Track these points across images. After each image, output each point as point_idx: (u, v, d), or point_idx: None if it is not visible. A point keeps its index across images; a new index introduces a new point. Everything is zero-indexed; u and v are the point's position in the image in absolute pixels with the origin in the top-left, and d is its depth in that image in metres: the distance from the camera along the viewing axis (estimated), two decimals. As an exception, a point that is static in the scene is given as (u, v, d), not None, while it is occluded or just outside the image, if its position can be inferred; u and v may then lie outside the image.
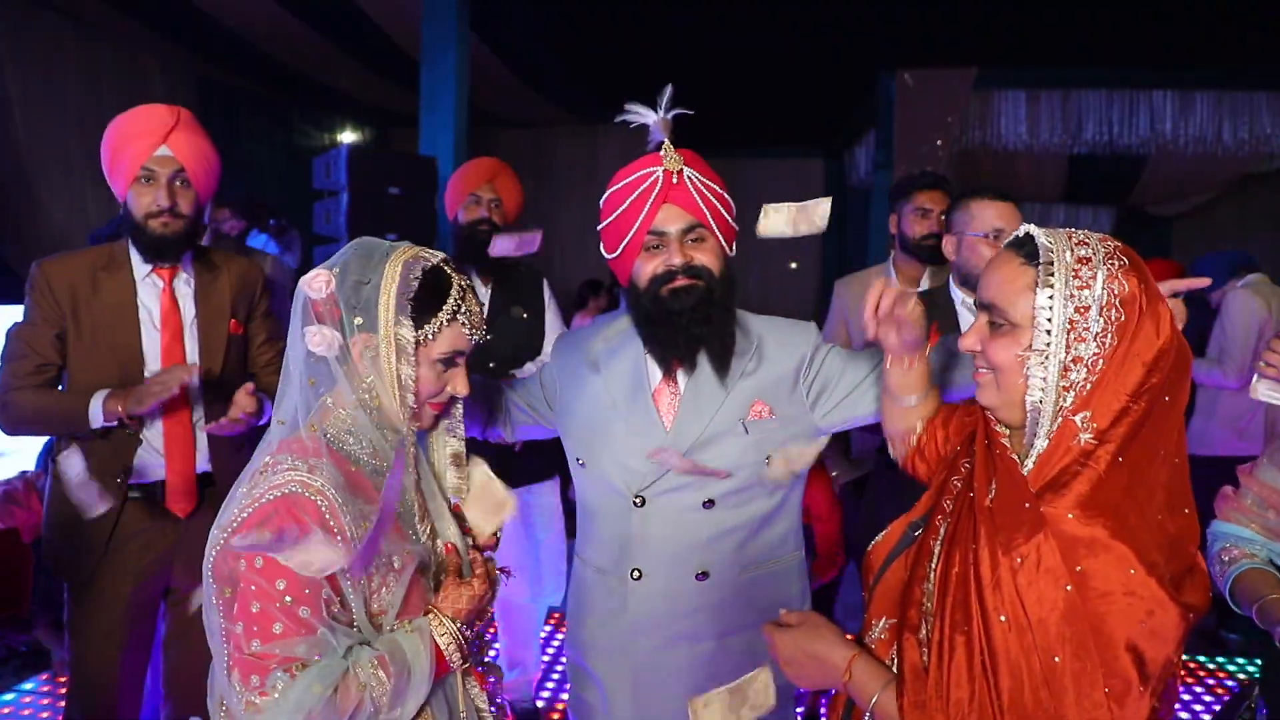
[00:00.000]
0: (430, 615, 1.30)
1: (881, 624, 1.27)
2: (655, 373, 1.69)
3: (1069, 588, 1.01)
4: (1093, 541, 1.03)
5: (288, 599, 1.17)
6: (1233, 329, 4.20)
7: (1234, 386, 4.21)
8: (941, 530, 1.21)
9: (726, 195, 1.65)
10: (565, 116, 9.07)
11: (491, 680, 1.49)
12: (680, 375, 1.66)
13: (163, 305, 2.23)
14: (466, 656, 1.33)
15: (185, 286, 2.28)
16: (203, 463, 2.28)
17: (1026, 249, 1.13)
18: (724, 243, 1.64)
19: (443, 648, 1.28)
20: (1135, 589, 1.01)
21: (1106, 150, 7.21)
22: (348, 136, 9.58)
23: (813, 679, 1.27)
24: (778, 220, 1.67)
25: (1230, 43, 6.51)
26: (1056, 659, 1.01)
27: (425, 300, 1.29)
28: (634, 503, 1.66)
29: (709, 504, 1.64)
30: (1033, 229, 1.15)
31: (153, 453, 2.24)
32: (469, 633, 1.33)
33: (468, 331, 1.33)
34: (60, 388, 2.25)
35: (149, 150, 2.13)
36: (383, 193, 4.92)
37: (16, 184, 5.64)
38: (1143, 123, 7.12)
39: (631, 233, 1.60)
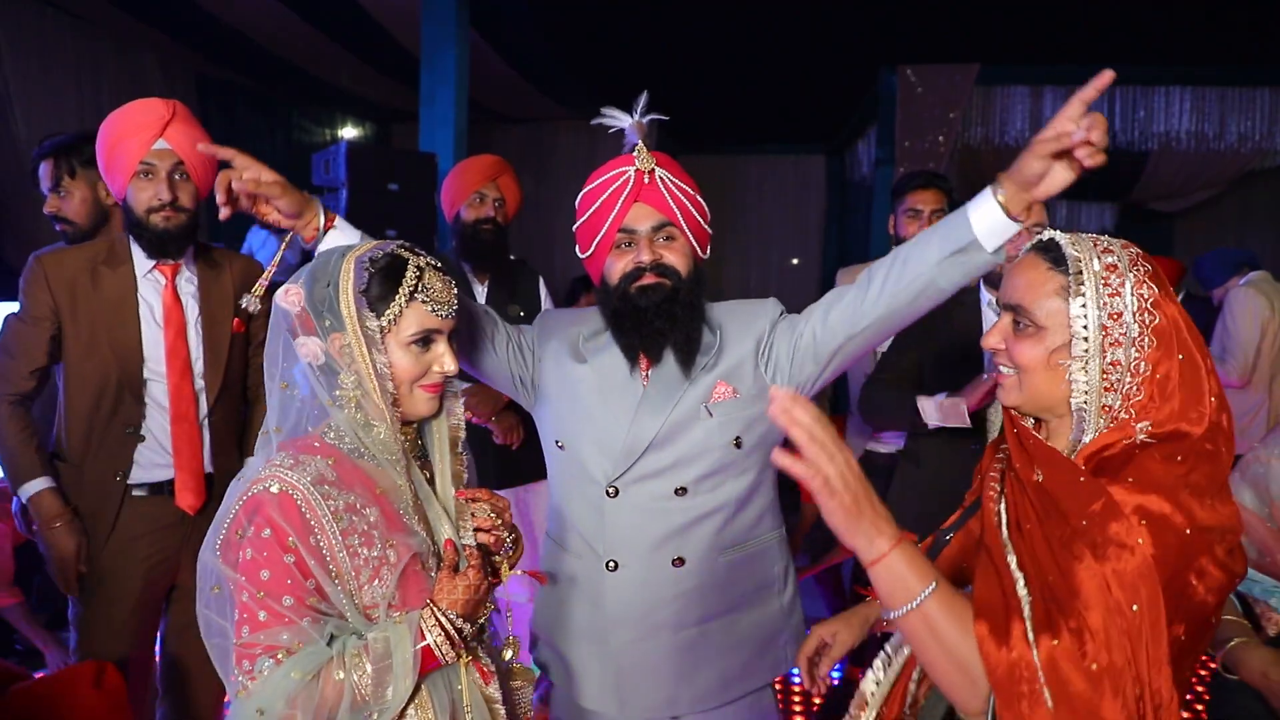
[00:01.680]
0: (425, 608, 1.31)
1: None
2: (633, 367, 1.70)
3: (1140, 540, 1.05)
4: (1152, 500, 1.07)
5: (270, 590, 1.23)
6: (1235, 327, 4.19)
7: (1237, 385, 4.20)
8: (1002, 516, 1.21)
9: (699, 198, 1.68)
10: (565, 112, 9.05)
11: (518, 684, 1.51)
12: (650, 370, 1.68)
13: (165, 302, 2.21)
14: (460, 650, 1.32)
15: (188, 284, 2.26)
16: (205, 463, 2.27)
17: (1052, 254, 1.18)
18: (695, 244, 1.67)
19: (430, 641, 1.28)
20: (1190, 550, 1.06)
21: (1109, 147, 7.18)
22: (347, 132, 9.57)
23: (861, 512, 1.09)
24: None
25: (1232, 39, 6.49)
26: (1134, 607, 1.04)
27: (381, 286, 1.33)
28: (607, 492, 1.67)
29: (681, 491, 1.65)
30: (1058, 235, 1.20)
31: (161, 451, 2.22)
32: (467, 626, 1.32)
33: (432, 309, 1.35)
34: (54, 385, 2.25)
35: (147, 144, 2.11)
36: (382, 189, 4.90)
37: (16, 182, 5.62)
38: (1145, 119, 7.11)
39: (603, 230, 1.63)
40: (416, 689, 1.30)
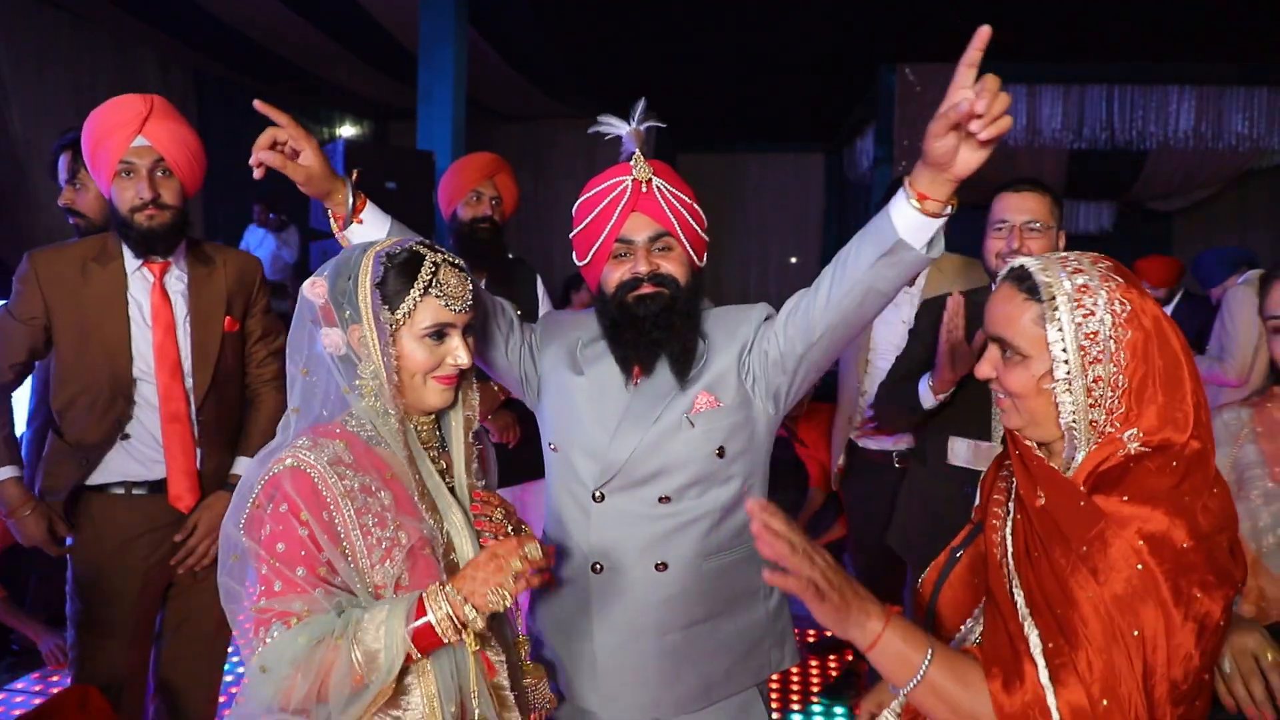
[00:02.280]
0: (433, 587, 1.31)
1: (969, 628, 1.29)
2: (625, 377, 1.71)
3: (1139, 566, 1.07)
4: (1150, 517, 1.09)
5: (285, 560, 1.29)
6: (1233, 326, 4.19)
7: (1234, 384, 4.19)
8: (1007, 543, 1.23)
9: (696, 206, 1.67)
10: (563, 110, 9.04)
11: (530, 681, 1.54)
12: (640, 381, 1.68)
13: (153, 301, 2.19)
14: (462, 630, 1.31)
15: (178, 282, 2.23)
16: (198, 461, 2.25)
17: (1026, 284, 1.21)
18: (692, 253, 1.66)
19: (431, 618, 1.28)
20: (1189, 562, 1.07)
21: (1107, 145, 7.20)
22: (345, 130, 9.56)
23: (849, 605, 1.13)
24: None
25: (1230, 38, 6.49)
26: (1136, 633, 1.06)
27: (397, 281, 1.38)
28: (594, 497, 1.68)
29: (665, 499, 1.65)
30: (1027, 263, 1.22)
31: (157, 449, 2.21)
32: (468, 610, 1.30)
33: (445, 303, 1.39)
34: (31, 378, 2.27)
35: (126, 142, 2.08)
36: (380, 187, 4.90)
37: (13, 181, 5.62)
38: (1143, 118, 7.11)
39: (600, 240, 1.63)
40: (408, 668, 1.32)
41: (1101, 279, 1.17)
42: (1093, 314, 1.15)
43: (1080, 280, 1.17)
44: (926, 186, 1.37)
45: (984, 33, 1.18)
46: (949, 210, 1.40)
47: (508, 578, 1.30)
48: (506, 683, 1.44)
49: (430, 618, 1.28)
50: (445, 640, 1.30)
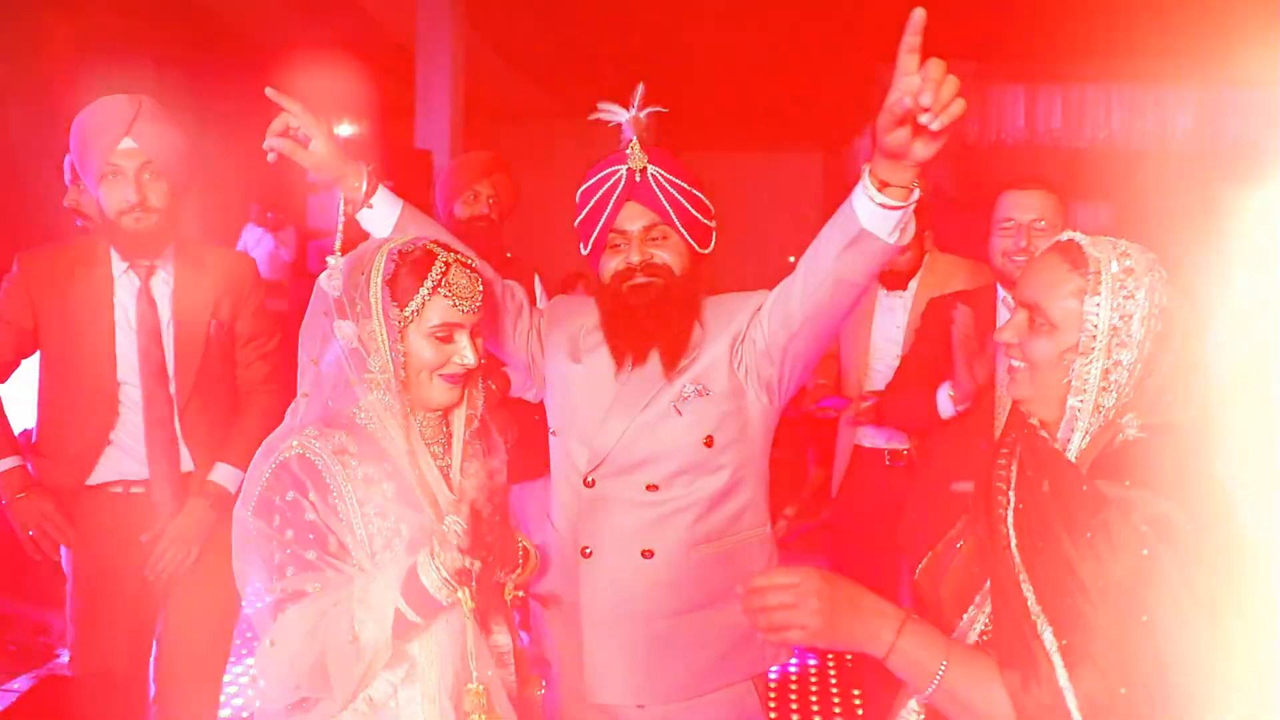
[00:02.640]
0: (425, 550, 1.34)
1: (971, 616, 1.28)
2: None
3: (1145, 551, 1.07)
4: (1152, 501, 1.10)
5: (295, 545, 1.33)
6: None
7: (1233, 383, 4.19)
8: (1011, 533, 1.23)
9: (697, 192, 1.66)
10: (562, 109, 9.04)
11: (530, 691, 1.55)
12: (632, 369, 1.69)
13: (138, 305, 2.16)
14: (457, 591, 1.32)
15: (164, 285, 2.20)
16: (185, 462, 2.23)
17: (1072, 255, 1.21)
18: (690, 240, 1.65)
19: (426, 582, 1.30)
20: (1194, 545, 1.08)
21: (1105, 145, 7.20)
22: (343, 130, 9.54)
23: (852, 626, 1.15)
24: None
25: (1229, 39, 6.49)
26: (1145, 618, 1.06)
27: (407, 278, 1.40)
28: (585, 483, 1.69)
29: (653, 487, 1.66)
30: (1078, 237, 1.23)
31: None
32: (444, 557, 1.31)
33: (454, 303, 1.40)
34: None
35: (112, 145, 2.06)
36: (378, 186, 4.89)
37: (10, 182, 5.60)
38: (1141, 118, 7.12)
39: (596, 230, 1.64)
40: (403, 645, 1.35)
41: (1147, 268, 1.18)
42: (1133, 298, 1.16)
43: (1127, 263, 1.18)
44: (886, 174, 1.35)
45: (919, 15, 1.14)
46: (914, 197, 1.37)
47: (459, 504, 1.32)
48: (508, 644, 1.48)
49: (423, 579, 1.30)
50: (441, 600, 1.31)
